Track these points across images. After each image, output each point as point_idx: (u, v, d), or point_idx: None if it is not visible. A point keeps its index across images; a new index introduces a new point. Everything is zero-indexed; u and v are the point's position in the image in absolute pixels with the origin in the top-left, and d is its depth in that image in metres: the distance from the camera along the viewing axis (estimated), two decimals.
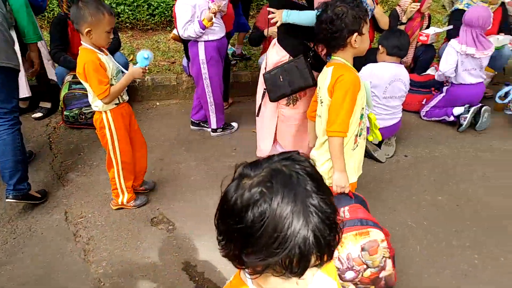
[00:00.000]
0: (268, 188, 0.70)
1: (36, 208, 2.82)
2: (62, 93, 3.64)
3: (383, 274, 1.97)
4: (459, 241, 2.57)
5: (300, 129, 2.69)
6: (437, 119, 3.98)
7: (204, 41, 3.31)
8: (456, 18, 4.17)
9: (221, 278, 2.31)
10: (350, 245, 1.92)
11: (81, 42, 2.33)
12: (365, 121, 2.08)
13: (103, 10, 2.23)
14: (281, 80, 2.47)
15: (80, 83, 3.65)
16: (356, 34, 1.88)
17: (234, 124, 3.88)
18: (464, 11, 3.84)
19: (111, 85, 2.37)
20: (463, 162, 3.39)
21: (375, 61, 3.42)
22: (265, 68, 2.61)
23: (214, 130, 3.77)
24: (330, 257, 0.74)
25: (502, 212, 2.81)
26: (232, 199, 0.73)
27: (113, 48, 3.57)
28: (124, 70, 2.49)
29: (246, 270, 0.78)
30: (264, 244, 0.68)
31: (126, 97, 2.56)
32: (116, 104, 2.48)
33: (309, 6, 2.43)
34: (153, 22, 5.47)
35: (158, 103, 4.34)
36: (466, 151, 3.56)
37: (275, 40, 2.68)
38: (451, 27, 4.34)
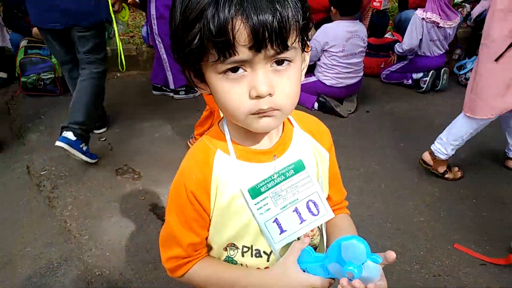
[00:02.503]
0: None
1: None
2: (18, 58, 3.54)
3: None
4: (420, 176, 2.70)
5: None
6: (395, 81, 4.15)
7: None
8: None
9: None
10: None
11: None
12: None
13: None
14: None
15: (37, 48, 3.61)
16: None
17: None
18: None
19: None
20: (422, 115, 3.54)
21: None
22: None
23: (176, 92, 3.75)
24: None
25: None
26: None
27: None
28: None
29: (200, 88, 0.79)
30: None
31: None
32: None
33: None
34: None
35: (118, 74, 4.29)
36: (424, 106, 3.72)
37: None
38: None
